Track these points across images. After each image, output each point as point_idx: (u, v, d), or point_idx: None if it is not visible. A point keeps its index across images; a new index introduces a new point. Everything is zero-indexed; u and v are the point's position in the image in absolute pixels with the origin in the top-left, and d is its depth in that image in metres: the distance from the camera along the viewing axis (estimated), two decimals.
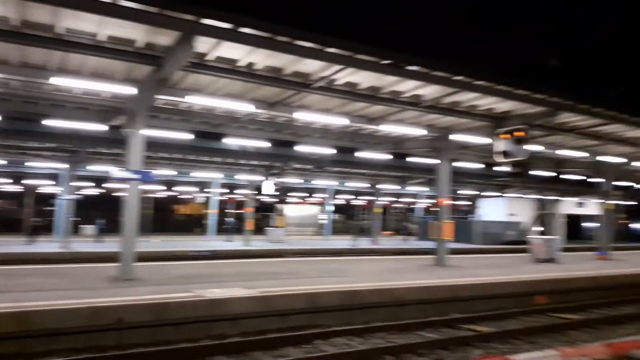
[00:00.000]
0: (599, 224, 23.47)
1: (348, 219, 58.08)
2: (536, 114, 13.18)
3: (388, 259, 19.27)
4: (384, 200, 44.12)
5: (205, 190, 38.65)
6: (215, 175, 29.78)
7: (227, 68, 10.26)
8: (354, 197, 51.25)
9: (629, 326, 9.68)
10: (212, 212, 34.23)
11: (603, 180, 21.38)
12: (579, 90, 13.18)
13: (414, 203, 47.74)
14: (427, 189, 36.89)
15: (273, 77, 10.76)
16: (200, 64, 10.01)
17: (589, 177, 27.01)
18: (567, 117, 14.00)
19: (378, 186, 33.98)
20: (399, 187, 35.13)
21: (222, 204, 37.57)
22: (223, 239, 31.50)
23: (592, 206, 38.35)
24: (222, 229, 34.04)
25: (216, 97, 11.78)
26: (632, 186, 30.89)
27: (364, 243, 31.31)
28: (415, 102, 12.70)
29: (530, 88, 12.09)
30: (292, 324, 8.77)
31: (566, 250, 22.26)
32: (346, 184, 35.06)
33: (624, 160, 19.21)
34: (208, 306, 8.33)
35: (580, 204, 41.47)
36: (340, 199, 51.87)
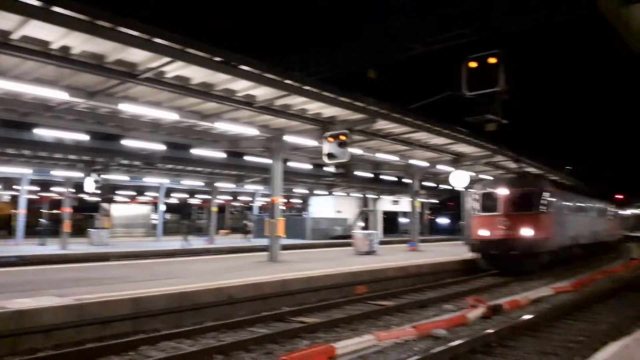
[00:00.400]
0: (410, 220, 26.53)
1: (184, 218, 56.13)
2: (357, 120, 14.37)
3: (224, 257, 19.12)
4: (221, 198, 43.68)
5: (12, 187, 33.70)
6: (23, 171, 26.18)
7: (37, 50, 9.09)
8: (189, 195, 49.71)
9: (432, 308, 11.09)
10: (21, 212, 30.00)
11: (412, 180, 24.19)
12: (393, 101, 14.75)
13: (251, 201, 48.16)
14: (262, 187, 37.54)
15: (93, 63, 9.84)
16: (4, 43, 8.69)
17: (402, 178, 30.25)
18: (384, 125, 15.55)
19: (215, 184, 33.48)
20: (236, 186, 35.11)
21: (34, 203, 33.16)
22: (35, 242, 27.88)
23: (405, 204, 43.18)
24: (35, 231, 30.11)
25: (23, 81, 10.34)
26: (436, 186, 35.54)
27: (199, 242, 30.57)
28: (249, 102, 12.81)
29: (351, 96, 13.13)
30: (115, 331, 8.16)
31: (384, 243, 24.68)
32: (181, 182, 33.83)
33: (429, 164, 22.04)
34: (12, 319, 7.29)
35: (395, 202, 46.40)
36: (176, 198, 49.85)
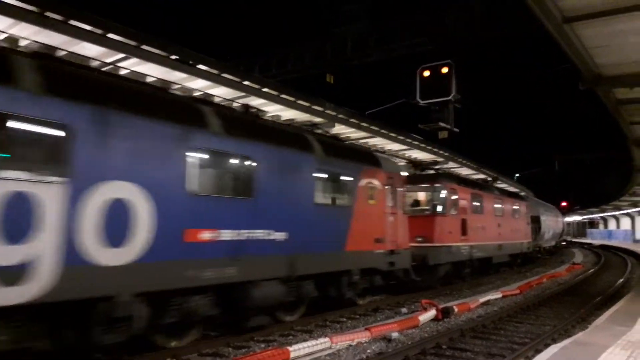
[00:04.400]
0: None
1: None
2: (316, 124, 14.41)
3: None
4: None
5: None
6: None
7: None
8: None
9: (385, 311, 11.24)
10: None
11: None
12: (349, 106, 14.94)
13: None
14: None
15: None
16: None
17: None
18: (342, 129, 15.69)
19: None
20: None
21: None
22: None
23: None
24: None
25: None
26: None
27: None
28: (207, 102, 12.62)
29: (309, 99, 13.19)
30: None
31: None
32: None
33: None
34: None
35: None
36: None
